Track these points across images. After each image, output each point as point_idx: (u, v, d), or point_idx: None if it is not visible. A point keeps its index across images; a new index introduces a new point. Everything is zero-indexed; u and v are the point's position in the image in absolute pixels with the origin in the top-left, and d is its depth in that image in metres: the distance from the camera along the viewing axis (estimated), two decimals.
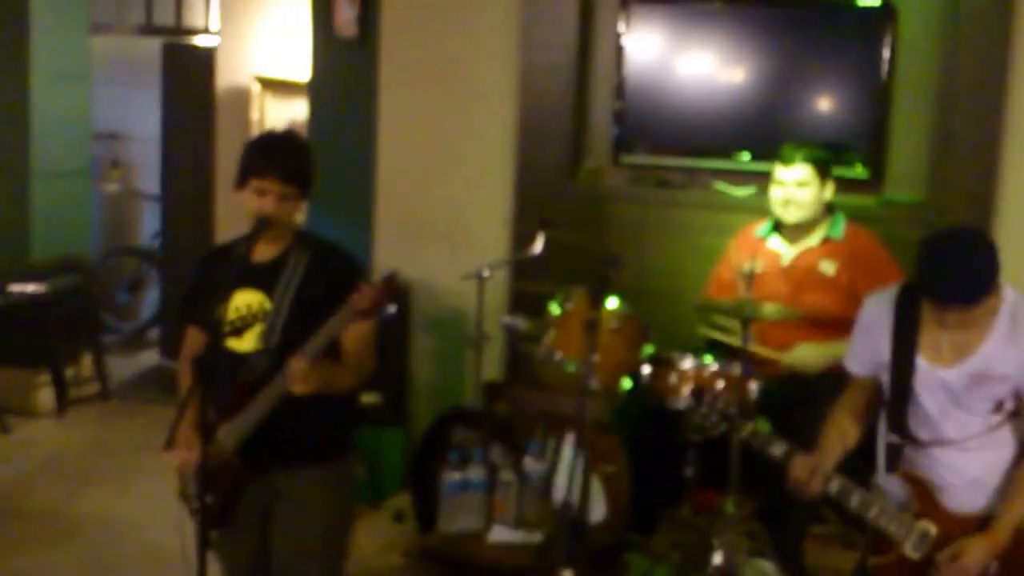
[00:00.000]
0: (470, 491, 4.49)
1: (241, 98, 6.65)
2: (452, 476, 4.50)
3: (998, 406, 3.11)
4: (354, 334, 3.34)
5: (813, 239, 4.57)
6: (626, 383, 4.44)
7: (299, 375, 3.15)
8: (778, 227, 4.64)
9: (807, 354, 4.38)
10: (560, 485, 4.29)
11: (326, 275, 3.39)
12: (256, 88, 6.61)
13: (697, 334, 4.80)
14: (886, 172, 5.19)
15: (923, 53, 5.08)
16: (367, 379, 3.48)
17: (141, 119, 8.43)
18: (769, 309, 4.31)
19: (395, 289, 3.30)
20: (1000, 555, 3.08)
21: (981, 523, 3.12)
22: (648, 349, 4.44)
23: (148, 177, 8.51)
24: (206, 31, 7.99)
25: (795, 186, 4.51)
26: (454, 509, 4.50)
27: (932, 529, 3.11)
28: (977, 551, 3.06)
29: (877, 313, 3.24)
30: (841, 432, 3.30)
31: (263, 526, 3.42)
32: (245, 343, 3.33)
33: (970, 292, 2.95)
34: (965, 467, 3.15)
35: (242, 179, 3.33)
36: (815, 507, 4.53)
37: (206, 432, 3.15)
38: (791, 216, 4.55)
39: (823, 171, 4.52)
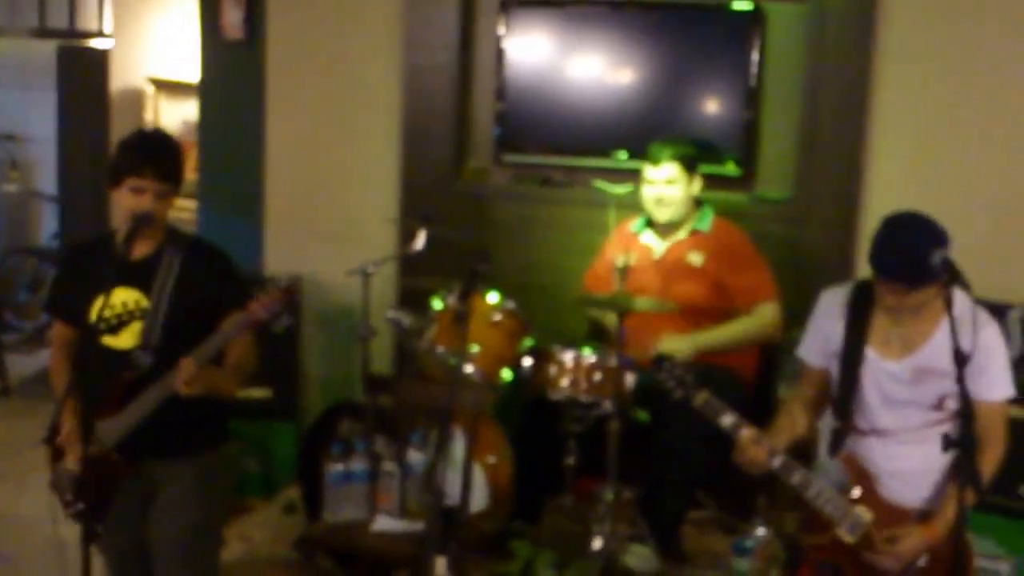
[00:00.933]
0: (354, 482, 4.54)
1: (135, 99, 6.68)
2: (336, 467, 4.56)
3: (940, 402, 3.21)
4: (239, 340, 3.43)
5: (682, 232, 4.73)
6: (507, 375, 4.54)
7: (189, 378, 3.21)
8: (651, 222, 4.81)
9: (676, 343, 4.47)
10: (441, 475, 4.38)
11: (203, 272, 3.47)
12: (150, 89, 6.64)
13: (578, 327, 4.95)
14: (757, 170, 5.35)
15: (791, 56, 5.24)
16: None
17: (38, 120, 8.37)
18: (642, 302, 4.45)
19: (293, 300, 3.37)
20: (933, 547, 3.18)
21: (915, 515, 3.21)
22: (529, 342, 4.55)
23: (46, 178, 8.47)
24: (100, 34, 7.96)
25: (664, 184, 4.67)
26: (338, 500, 4.54)
27: (868, 515, 3.20)
28: (914, 540, 3.17)
29: (831, 305, 3.35)
30: (792, 418, 3.39)
31: (141, 516, 3.48)
32: (122, 340, 3.39)
33: (911, 272, 3.03)
34: (902, 459, 3.24)
35: (117, 177, 3.37)
36: (691, 493, 4.68)
37: (86, 429, 3.20)
38: (662, 215, 4.71)
39: (690, 167, 4.68)
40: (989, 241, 4.65)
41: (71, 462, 3.36)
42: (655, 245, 4.77)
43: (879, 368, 3.23)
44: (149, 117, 6.62)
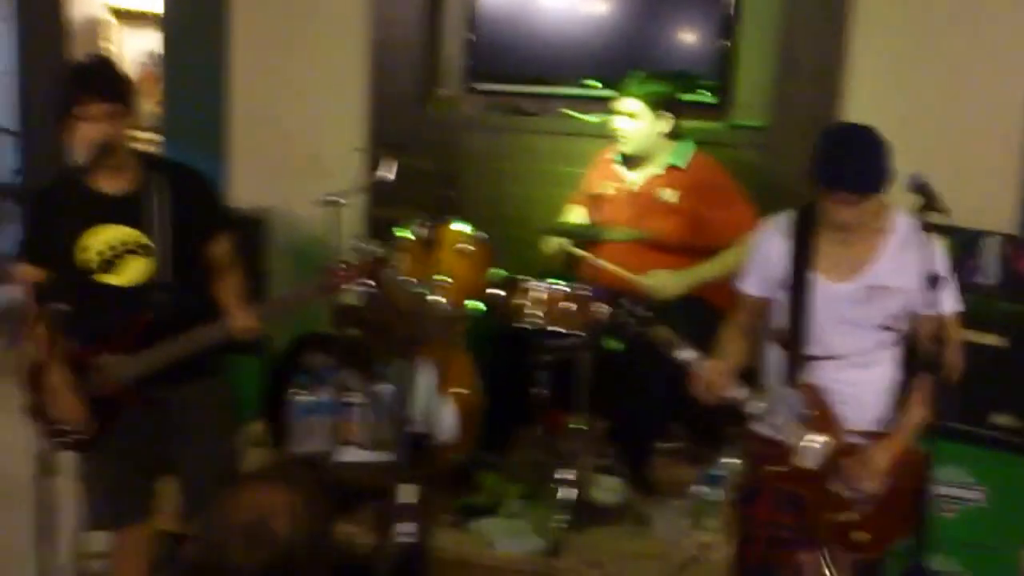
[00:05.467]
0: (320, 413, 4.51)
1: (96, 29, 6.55)
2: (302, 398, 4.53)
3: (891, 321, 3.19)
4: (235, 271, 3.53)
5: (657, 167, 4.65)
6: (478, 305, 4.50)
7: (248, 332, 3.41)
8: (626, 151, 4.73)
9: (664, 280, 4.44)
10: (409, 406, 4.34)
11: (192, 199, 3.42)
12: (110, 19, 6.51)
13: (549, 257, 4.89)
14: (734, 98, 5.29)
15: None
16: None
17: None
18: (613, 232, 4.40)
19: (374, 272, 3.50)
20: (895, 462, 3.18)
21: (873, 437, 3.21)
22: (499, 272, 4.51)
23: (5, 112, 8.30)
24: None
25: (626, 117, 4.59)
26: (304, 431, 4.52)
27: (828, 440, 3.19)
28: (880, 457, 3.17)
29: (772, 234, 3.31)
30: (736, 346, 3.36)
31: (152, 442, 3.50)
32: (123, 277, 3.34)
33: (859, 180, 3.01)
34: (858, 383, 3.22)
35: (63, 115, 3.24)
36: (661, 424, 4.66)
37: (80, 364, 3.28)
38: (623, 146, 4.64)
39: (657, 105, 4.58)
40: (965, 167, 4.61)
41: (63, 402, 3.33)
42: (631, 177, 4.70)
43: (830, 292, 3.20)
44: (110, 47, 6.49)
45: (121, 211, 3.34)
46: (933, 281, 2.97)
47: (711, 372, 3.23)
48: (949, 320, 3.16)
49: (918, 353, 3.13)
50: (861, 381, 3.23)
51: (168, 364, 3.36)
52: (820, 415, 3.21)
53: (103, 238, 3.31)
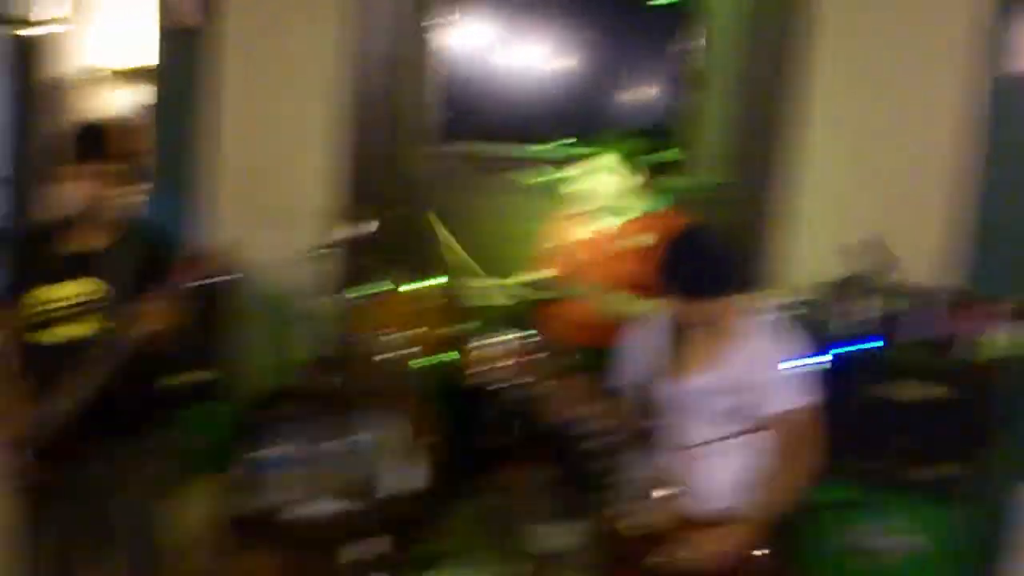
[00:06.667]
0: (293, 464, 4.59)
1: (87, 84, 6.67)
2: (275, 450, 4.62)
3: (737, 415, 3.30)
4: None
5: (631, 215, 4.81)
6: (447, 357, 4.63)
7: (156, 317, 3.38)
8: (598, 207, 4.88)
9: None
10: (378, 457, 4.45)
11: (158, 262, 3.52)
12: (100, 74, 6.64)
13: (517, 310, 5.01)
14: (697, 155, 5.44)
15: (727, 44, 5.32)
16: None
17: None
18: (579, 287, 4.56)
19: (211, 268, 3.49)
20: (732, 551, 3.24)
21: (715, 521, 3.28)
22: (467, 325, 4.63)
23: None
24: (55, 20, 7.92)
25: (598, 175, 4.75)
26: (276, 482, 4.59)
27: (667, 515, 3.30)
28: (711, 542, 3.24)
29: (638, 334, 3.50)
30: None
31: (90, 494, 3.58)
32: (79, 329, 3.47)
33: (692, 282, 3.19)
34: (702, 472, 3.34)
35: (64, 168, 3.45)
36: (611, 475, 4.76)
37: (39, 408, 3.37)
38: (595, 202, 4.79)
39: (627, 162, 4.74)
40: (906, 226, 4.70)
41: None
42: (603, 225, 4.85)
43: (679, 385, 3.34)
44: (100, 102, 6.62)
45: (88, 266, 3.48)
46: (783, 378, 3.18)
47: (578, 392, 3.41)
48: (795, 414, 3.28)
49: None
50: (710, 469, 3.33)
51: (94, 393, 3.42)
52: (666, 490, 3.32)
53: (65, 292, 3.44)
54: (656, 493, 3.31)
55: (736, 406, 3.29)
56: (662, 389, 3.36)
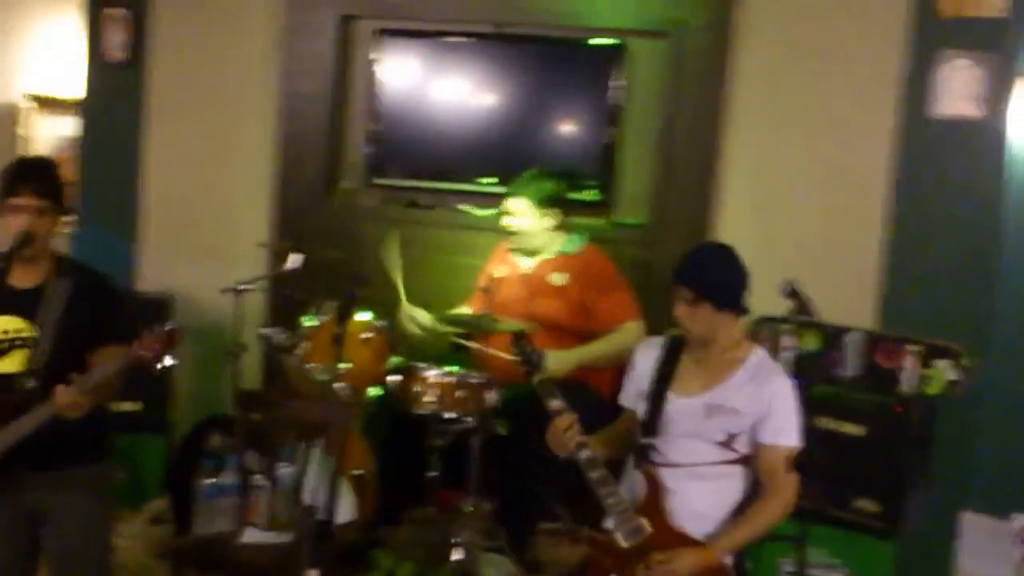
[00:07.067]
0: (224, 495, 4.64)
1: (11, 115, 6.62)
2: (207, 481, 4.66)
3: (728, 440, 3.40)
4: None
5: (549, 253, 4.97)
6: (374, 391, 4.74)
7: (70, 407, 3.29)
8: (515, 246, 5.04)
9: (550, 358, 4.64)
10: (310, 489, 4.49)
11: (89, 305, 3.53)
12: (26, 105, 6.61)
13: (444, 343, 5.13)
14: (616, 197, 5.61)
15: (649, 88, 5.52)
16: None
17: None
18: (504, 323, 4.67)
19: (176, 341, 3.45)
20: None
21: (690, 543, 3.34)
22: (396, 359, 4.74)
23: None
24: None
25: (514, 215, 4.93)
26: (209, 512, 4.63)
27: (647, 527, 3.35)
28: (687, 560, 3.29)
29: (645, 354, 3.60)
30: (611, 436, 3.62)
31: (24, 531, 3.57)
32: (4, 365, 3.46)
33: (699, 279, 3.34)
34: (690, 492, 3.39)
35: None
36: (546, 505, 4.87)
37: None
38: (513, 241, 4.99)
39: (543, 202, 4.90)
40: (830, 268, 4.89)
41: None
42: (523, 262, 5.01)
43: (677, 404, 3.45)
44: (24, 133, 6.58)
45: (19, 303, 3.49)
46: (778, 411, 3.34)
47: (563, 423, 3.43)
48: (782, 451, 3.39)
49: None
50: (697, 492, 3.41)
51: (20, 444, 3.38)
52: (650, 503, 3.40)
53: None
54: (628, 514, 3.38)
55: (727, 430, 3.41)
56: (659, 407, 3.47)
